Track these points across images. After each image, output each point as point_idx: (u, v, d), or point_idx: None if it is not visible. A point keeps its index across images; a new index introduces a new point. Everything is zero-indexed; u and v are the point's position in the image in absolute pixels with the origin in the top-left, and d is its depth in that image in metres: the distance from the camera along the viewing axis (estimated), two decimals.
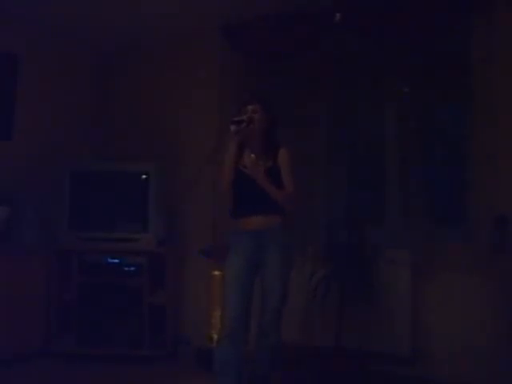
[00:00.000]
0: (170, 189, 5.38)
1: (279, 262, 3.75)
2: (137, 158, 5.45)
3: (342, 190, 5.08)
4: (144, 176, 5.21)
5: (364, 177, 5.18)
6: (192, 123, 5.58)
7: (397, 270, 4.52)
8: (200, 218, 5.34)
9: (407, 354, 4.45)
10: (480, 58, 4.39)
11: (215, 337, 4.84)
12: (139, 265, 5.15)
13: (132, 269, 5.16)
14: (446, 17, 4.52)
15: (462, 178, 4.64)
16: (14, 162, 5.18)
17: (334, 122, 5.17)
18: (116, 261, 5.19)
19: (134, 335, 5.09)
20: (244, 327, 3.68)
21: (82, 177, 5.30)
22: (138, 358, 5.01)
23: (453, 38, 4.69)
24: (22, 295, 4.86)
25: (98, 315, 5.16)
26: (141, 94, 5.96)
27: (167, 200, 5.35)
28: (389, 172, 4.88)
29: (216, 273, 4.88)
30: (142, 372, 4.80)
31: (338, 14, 4.67)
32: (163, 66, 5.87)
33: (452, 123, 4.98)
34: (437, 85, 4.83)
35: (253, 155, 3.67)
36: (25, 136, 5.30)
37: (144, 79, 5.98)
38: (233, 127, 3.71)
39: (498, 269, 4.16)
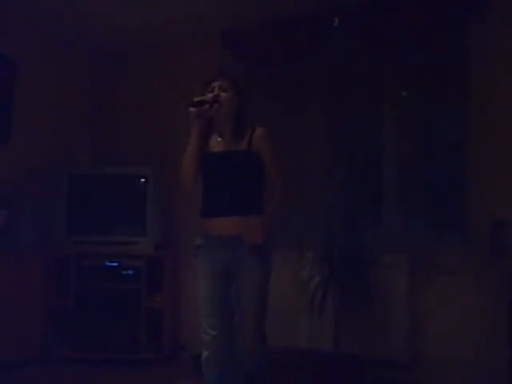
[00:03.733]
0: (168, 192, 5.38)
1: (256, 277, 3.22)
2: (136, 160, 5.44)
3: (340, 194, 5.04)
4: (142, 180, 5.21)
5: (363, 180, 5.13)
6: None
7: (395, 275, 4.51)
8: (198, 221, 5.30)
9: (405, 359, 4.44)
10: (479, 60, 4.40)
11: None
12: (137, 268, 5.15)
13: (130, 272, 5.16)
14: (445, 18, 4.49)
15: (461, 182, 4.60)
16: (12, 166, 5.16)
17: (333, 125, 5.14)
18: (114, 264, 5.19)
19: (131, 339, 5.11)
20: (228, 343, 3.26)
21: (80, 180, 5.30)
22: (135, 362, 5.01)
23: (452, 40, 4.65)
24: (20, 299, 4.86)
25: (96, 319, 5.17)
26: (141, 95, 5.94)
27: (165, 204, 5.35)
28: (387, 175, 4.85)
29: None
30: (139, 376, 4.80)
31: (336, 19, 4.61)
32: (163, 67, 5.85)
33: (451, 127, 4.93)
34: (436, 87, 4.79)
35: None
36: (23, 139, 5.29)
37: (144, 79, 5.96)
38: (193, 109, 3.20)
39: (497, 273, 4.14)
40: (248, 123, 3.37)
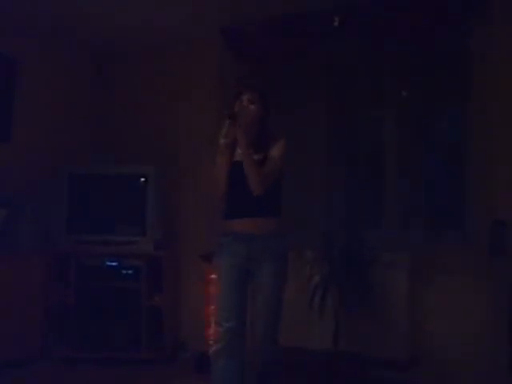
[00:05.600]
0: (168, 192, 5.38)
1: (271, 277, 3.40)
2: (136, 160, 5.44)
3: (340, 193, 5.04)
4: (142, 179, 5.20)
5: (363, 179, 5.13)
6: (191, 125, 5.57)
7: (395, 274, 4.52)
8: (198, 220, 5.33)
9: (406, 357, 4.44)
10: (479, 59, 4.40)
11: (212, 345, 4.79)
12: (137, 268, 5.15)
13: (130, 272, 5.16)
14: (445, 19, 4.49)
15: (461, 181, 4.61)
16: (12, 165, 5.16)
17: (333, 124, 5.14)
18: (114, 264, 5.20)
19: (132, 338, 5.10)
20: (241, 337, 3.38)
21: (80, 179, 5.31)
22: (136, 361, 5.01)
23: (452, 41, 4.65)
24: (20, 299, 4.86)
25: (97, 318, 5.17)
26: (141, 95, 5.94)
27: (165, 203, 5.35)
28: (387, 174, 4.86)
29: (214, 276, 4.86)
30: (140, 375, 4.80)
31: (336, 18, 4.62)
32: (163, 67, 5.85)
33: (451, 125, 4.94)
34: (436, 87, 4.79)
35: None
36: (24, 138, 5.30)
37: (144, 79, 5.96)
38: (222, 141, 3.38)
39: (497, 271, 4.15)
40: (270, 135, 3.52)
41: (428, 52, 4.77)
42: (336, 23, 4.62)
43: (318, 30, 4.90)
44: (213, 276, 4.86)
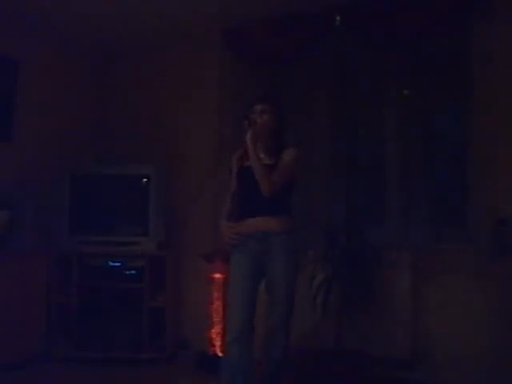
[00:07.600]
0: (170, 192, 5.38)
1: (283, 270, 3.58)
2: (136, 160, 5.44)
3: (341, 192, 5.05)
4: (144, 179, 5.20)
5: (364, 178, 5.14)
6: (192, 125, 5.57)
7: (397, 272, 4.53)
8: (201, 221, 5.33)
9: (407, 356, 4.46)
10: (480, 58, 4.40)
11: (217, 341, 4.82)
12: (139, 268, 5.14)
13: (132, 272, 5.16)
14: (446, 18, 4.50)
15: (462, 180, 4.62)
16: (13, 165, 5.15)
17: (334, 124, 5.14)
18: (116, 264, 5.19)
19: (134, 338, 5.09)
20: (251, 329, 3.55)
21: (82, 180, 5.29)
22: (137, 362, 5.00)
23: (453, 39, 4.68)
24: (22, 299, 4.84)
25: (98, 319, 5.16)
26: (141, 95, 5.94)
27: (167, 203, 5.34)
28: (389, 173, 4.86)
29: (216, 276, 4.87)
30: (141, 375, 4.80)
31: (337, 18, 4.64)
32: (163, 67, 5.85)
33: (452, 125, 4.95)
34: (437, 86, 4.80)
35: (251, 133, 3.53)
36: (24, 138, 5.28)
37: (144, 79, 5.96)
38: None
39: (498, 271, 4.17)
40: (282, 143, 3.72)
41: (428, 52, 4.78)
42: (337, 22, 4.63)
43: (317, 30, 4.91)
44: (215, 275, 4.89)
